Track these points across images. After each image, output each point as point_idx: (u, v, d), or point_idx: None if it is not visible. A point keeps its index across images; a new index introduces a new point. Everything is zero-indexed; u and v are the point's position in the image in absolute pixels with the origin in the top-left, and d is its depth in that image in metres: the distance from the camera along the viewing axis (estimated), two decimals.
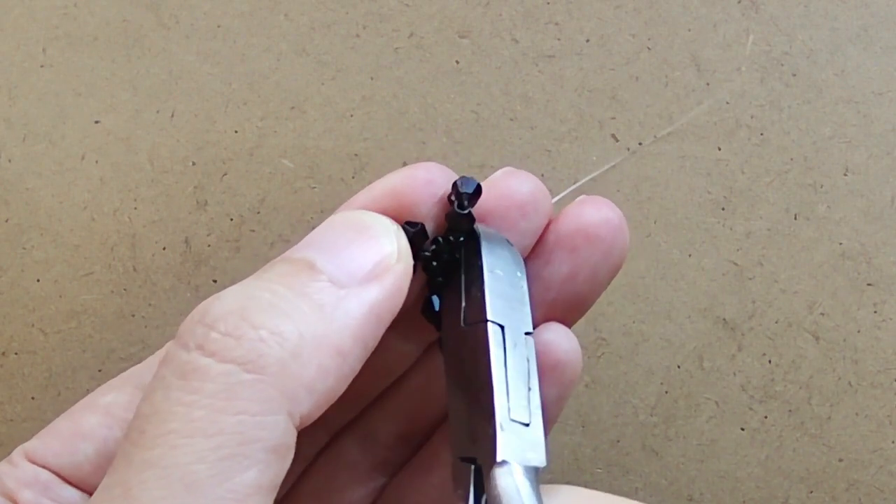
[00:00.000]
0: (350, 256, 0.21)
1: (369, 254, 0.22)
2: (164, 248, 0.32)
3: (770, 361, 0.32)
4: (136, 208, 0.32)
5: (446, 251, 0.24)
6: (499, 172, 0.25)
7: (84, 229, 0.32)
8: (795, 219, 0.32)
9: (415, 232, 0.24)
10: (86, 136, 0.33)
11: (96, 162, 0.33)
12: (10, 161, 0.33)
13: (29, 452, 0.24)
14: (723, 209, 0.32)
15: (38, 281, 0.32)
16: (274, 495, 0.19)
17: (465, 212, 0.24)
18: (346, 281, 0.21)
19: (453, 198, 0.24)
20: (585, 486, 0.32)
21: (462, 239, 0.24)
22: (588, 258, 0.24)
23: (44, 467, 0.23)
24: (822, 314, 0.32)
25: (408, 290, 0.22)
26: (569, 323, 0.25)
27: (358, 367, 0.21)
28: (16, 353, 0.32)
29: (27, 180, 0.33)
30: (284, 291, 0.20)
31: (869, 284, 0.32)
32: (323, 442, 0.26)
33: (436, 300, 0.24)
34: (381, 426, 0.25)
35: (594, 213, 0.24)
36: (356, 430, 0.26)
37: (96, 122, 0.33)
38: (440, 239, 0.24)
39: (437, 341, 0.25)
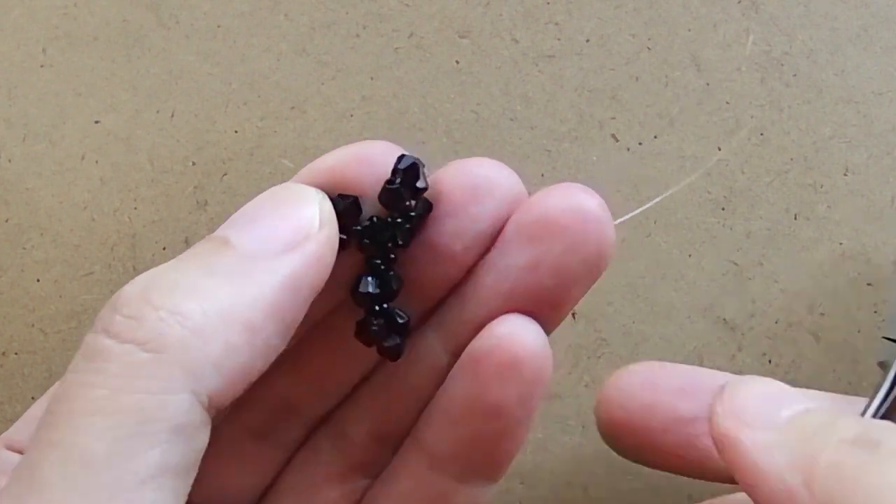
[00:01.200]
0: (265, 228, 0.21)
1: (286, 223, 0.21)
2: (164, 248, 0.32)
3: (770, 361, 0.32)
4: (136, 208, 0.32)
5: (382, 229, 0.23)
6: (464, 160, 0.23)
7: (84, 229, 0.32)
8: (795, 219, 0.32)
9: (346, 204, 0.22)
10: (86, 136, 0.33)
11: (96, 162, 0.33)
12: (10, 161, 0.33)
13: (6, 440, 0.24)
14: (723, 209, 0.32)
15: (38, 281, 0.32)
16: (188, 479, 0.19)
17: (394, 186, 0.22)
18: (260, 253, 0.20)
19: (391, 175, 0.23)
20: (585, 486, 0.32)
21: (399, 220, 0.23)
22: (550, 249, 0.22)
23: (19, 452, 0.23)
24: (822, 314, 0.32)
25: (335, 265, 0.21)
26: (543, 319, 0.22)
27: (278, 342, 0.20)
28: (16, 353, 0.32)
29: (27, 180, 0.33)
30: (194, 270, 0.20)
31: (869, 284, 0.32)
32: (299, 435, 0.25)
33: (369, 281, 0.23)
34: (352, 424, 0.24)
35: (560, 201, 0.22)
36: (330, 426, 0.25)
37: (96, 122, 0.33)
38: (377, 217, 0.23)
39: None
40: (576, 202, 0.22)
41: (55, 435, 0.18)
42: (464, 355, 0.22)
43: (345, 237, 0.22)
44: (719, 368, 0.32)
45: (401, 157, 0.23)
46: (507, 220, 0.22)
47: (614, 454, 0.32)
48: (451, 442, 0.23)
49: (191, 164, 0.33)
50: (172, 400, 0.18)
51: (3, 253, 0.32)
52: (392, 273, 0.23)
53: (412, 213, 0.23)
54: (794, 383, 0.32)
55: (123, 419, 0.18)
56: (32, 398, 0.32)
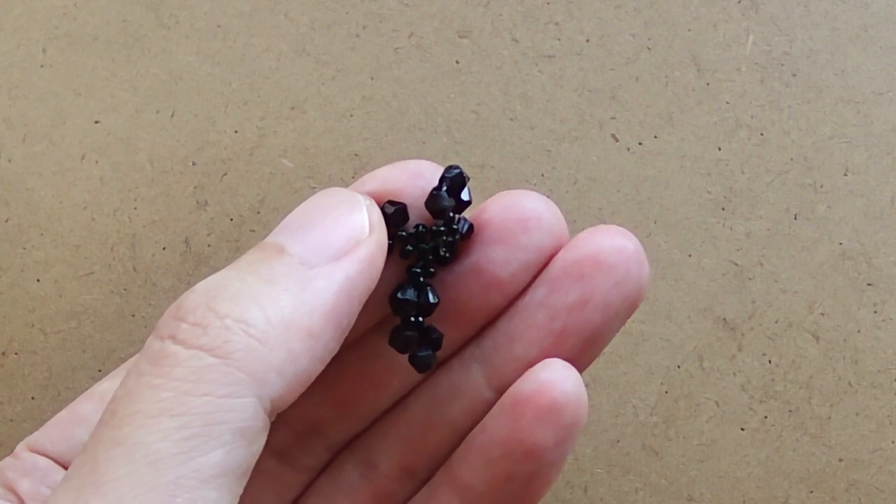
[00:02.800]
0: (319, 235, 0.21)
1: (339, 230, 0.21)
2: (164, 248, 0.32)
3: (770, 361, 0.32)
4: (136, 208, 0.32)
5: (426, 238, 0.23)
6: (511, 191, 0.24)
7: (84, 229, 0.32)
8: (795, 219, 0.32)
9: (395, 210, 0.23)
10: (86, 136, 0.33)
11: (96, 162, 0.33)
12: (10, 161, 0.33)
13: (30, 443, 0.24)
14: (723, 209, 0.32)
15: (38, 281, 0.32)
16: (243, 482, 0.19)
17: (440, 192, 0.23)
18: (316, 260, 0.21)
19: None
20: (585, 486, 0.32)
21: (443, 228, 0.23)
22: (598, 286, 0.23)
23: (43, 455, 0.24)
24: (822, 314, 0.32)
25: (382, 269, 0.22)
26: (580, 363, 0.23)
27: (334, 347, 0.21)
28: (16, 353, 0.32)
29: (27, 180, 0.33)
30: (253, 278, 0.20)
31: (869, 284, 0.32)
32: (323, 459, 0.25)
33: (409, 289, 0.23)
34: (382, 453, 0.25)
35: (605, 241, 0.23)
36: (357, 452, 0.25)
37: (96, 122, 0.33)
38: (422, 226, 0.24)
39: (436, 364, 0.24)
40: (619, 242, 0.23)
41: (119, 433, 0.19)
42: (506, 395, 0.23)
43: (390, 242, 0.23)
44: (719, 368, 0.32)
45: (449, 167, 0.23)
46: (550, 254, 0.24)
47: (614, 454, 0.32)
48: (486, 480, 0.23)
49: (191, 164, 0.33)
50: (237, 404, 0.19)
51: (3, 253, 0.32)
52: (430, 287, 0.24)
53: (455, 227, 0.23)
54: (794, 383, 0.32)
55: (190, 420, 0.19)
56: (32, 398, 0.32)
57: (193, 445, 0.18)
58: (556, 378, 0.22)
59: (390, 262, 0.23)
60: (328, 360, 0.21)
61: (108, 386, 0.25)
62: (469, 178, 0.24)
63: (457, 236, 0.24)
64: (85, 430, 0.24)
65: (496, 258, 0.23)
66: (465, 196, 0.24)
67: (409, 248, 0.23)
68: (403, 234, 0.23)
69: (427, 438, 0.24)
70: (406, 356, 0.24)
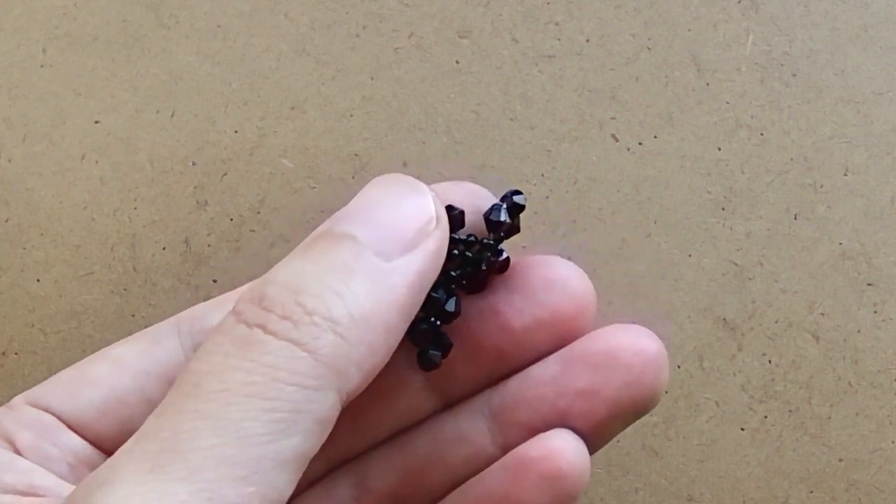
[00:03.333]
0: (390, 225, 0.22)
1: (409, 221, 0.22)
2: (164, 248, 0.32)
3: (770, 361, 0.32)
4: (136, 208, 0.32)
5: (474, 248, 0.24)
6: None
7: (84, 229, 0.32)
8: (795, 219, 0.32)
9: (454, 214, 0.23)
10: (86, 136, 0.33)
11: (96, 162, 0.33)
12: (10, 161, 0.33)
13: (30, 398, 0.24)
14: (723, 209, 0.32)
15: (38, 281, 0.32)
16: (304, 468, 0.20)
17: (500, 205, 0.24)
18: (390, 252, 0.21)
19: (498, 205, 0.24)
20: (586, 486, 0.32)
21: (490, 242, 0.24)
22: (609, 381, 0.23)
23: (46, 411, 0.24)
24: (822, 314, 0.32)
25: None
26: (589, 441, 0.24)
27: (400, 339, 0.22)
28: (16, 353, 0.32)
29: (27, 180, 0.33)
30: (332, 272, 0.21)
31: (869, 284, 0.32)
32: (319, 470, 0.25)
33: (440, 291, 0.24)
34: (376, 477, 0.25)
35: (627, 338, 0.23)
36: (353, 472, 0.25)
37: (96, 122, 0.33)
38: (473, 236, 0.24)
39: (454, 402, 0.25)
40: (641, 344, 0.23)
41: (206, 407, 0.19)
42: (511, 454, 0.23)
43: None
44: (719, 368, 0.32)
45: (516, 191, 0.24)
46: (569, 322, 0.24)
47: (614, 454, 0.32)
48: None
49: (191, 164, 0.33)
50: (321, 395, 0.20)
51: (3, 253, 0.32)
52: (457, 298, 0.24)
53: (501, 248, 0.24)
54: (794, 383, 0.32)
55: (280, 405, 0.19)
56: None
57: (279, 429, 0.19)
58: (565, 448, 0.23)
59: None
60: (393, 351, 0.21)
61: (120, 351, 0.25)
62: (525, 208, 0.24)
63: (499, 257, 0.24)
64: (97, 392, 0.24)
65: (513, 305, 0.24)
66: (518, 223, 0.24)
67: (456, 252, 0.24)
68: (456, 236, 0.24)
69: (424, 476, 0.25)
70: (416, 355, 0.24)
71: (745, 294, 0.32)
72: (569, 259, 0.24)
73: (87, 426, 0.24)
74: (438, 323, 0.24)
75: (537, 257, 0.24)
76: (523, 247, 0.31)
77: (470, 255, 0.24)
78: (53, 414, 0.24)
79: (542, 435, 0.23)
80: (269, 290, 0.21)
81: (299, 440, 0.20)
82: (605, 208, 0.32)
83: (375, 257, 0.21)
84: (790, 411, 0.32)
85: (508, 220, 0.24)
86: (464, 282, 0.24)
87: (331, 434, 0.24)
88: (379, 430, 0.25)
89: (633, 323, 0.24)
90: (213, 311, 0.25)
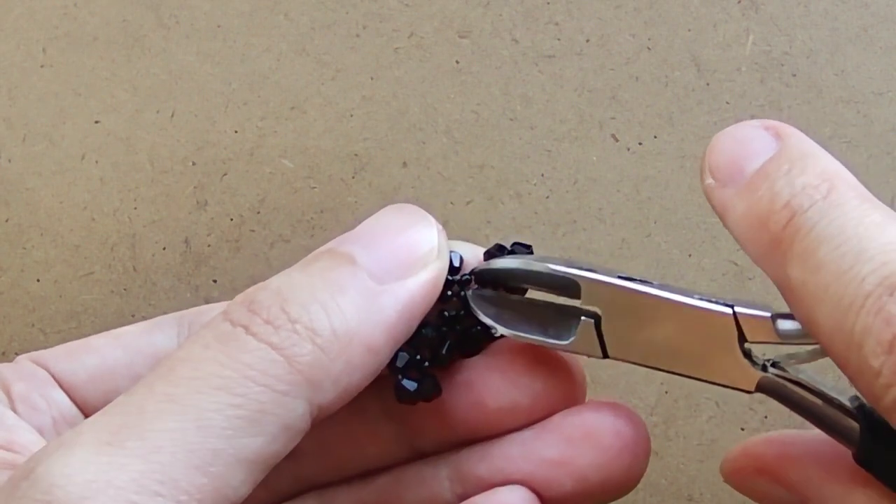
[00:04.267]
0: (390, 251, 0.22)
1: (410, 249, 0.22)
2: (164, 248, 0.32)
3: None
4: (136, 208, 0.32)
5: (460, 292, 0.24)
6: None
7: (84, 229, 0.32)
8: None
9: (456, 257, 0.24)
10: (86, 136, 0.33)
11: (96, 162, 0.33)
12: (10, 161, 0.33)
13: (33, 356, 0.25)
14: None
15: (38, 281, 0.32)
16: (265, 473, 0.20)
17: (505, 246, 0.24)
18: (385, 276, 0.22)
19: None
20: None
21: (468, 278, 0.24)
22: (580, 456, 0.23)
23: (43, 368, 0.25)
24: None
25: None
26: None
27: (384, 363, 0.22)
28: (16, 354, 0.32)
29: (27, 180, 0.33)
30: (323, 286, 0.21)
31: None
32: (290, 488, 0.25)
33: (430, 326, 0.23)
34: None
35: (607, 418, 0.23)
36: (319, 497, 0.25)
37: (96, 122, 0.33)
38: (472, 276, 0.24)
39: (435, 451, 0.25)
40: (619, 426, 0.23)
41: (175, 391, 0.20)
42: (466, 503, 0.23)
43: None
44: None
45: (528, 246, 0.24)
46: (547, 410, 0.23)
47: None
48: None
49: (191, 164, 0.33)
50: (290, 402, 0.20)
51: (3, 253, 0.32)
52: (449, 343, 0.24)
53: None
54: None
55: (246, 403, 0.20)
56: None
57: (242, 426, 0.19)
58: (515, 501, 0.23)
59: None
60: (377, 373, 0.21)
61: (122, 329, 0.26)
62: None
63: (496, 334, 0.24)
64: (93, 359, 0.25)
65: (490, 385, 0.24)
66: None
67: (450, 293, 0.24)
68: (456, 279, 0.24)
69: None
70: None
71: (745, 294, 0.32)
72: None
73: (76, 389, 0.25)
74: (426, 363, 0.23)
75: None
76: None
77: (463, 293, 0.24)
78: (49, 372, 0.25)
79: (497, 489, 0.23)
80: (260, 295, 0.21)
81: (262, 442, 0.20)
82: (605, 208, 0.32)
83: (369, 279, 0.21)
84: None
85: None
86: (457, 327, 0.24)
87: (304, 456, 0.24)
88: (349, 465, 0.25)
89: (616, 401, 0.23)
90: (217, 310, 0.25)
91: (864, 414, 0.21)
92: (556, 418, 0.23)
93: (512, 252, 0.24)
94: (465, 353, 0.24)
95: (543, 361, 0.23)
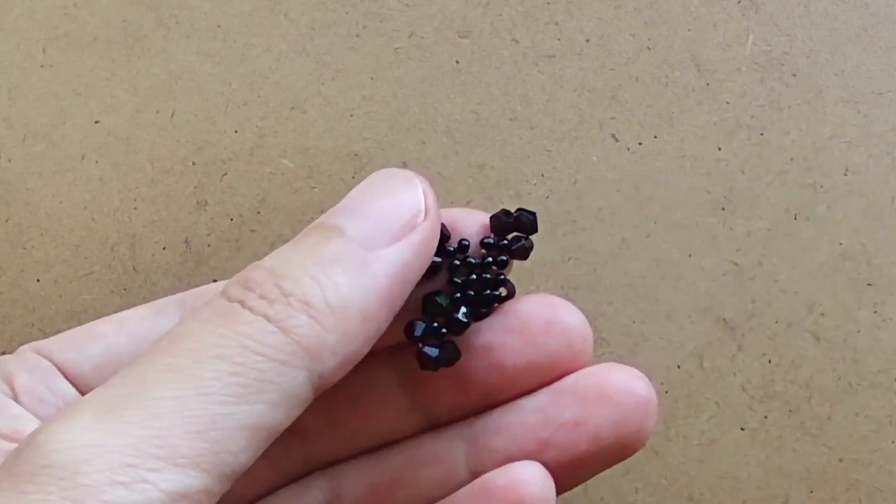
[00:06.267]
0: (377, 217, 0.22)
1: (396, 213, 0.22)
2: (164, 248, 0.32)
3: (770, 361, 0.32)
4: (136, 208, 0.32)
5: (482, 269, 0.24)
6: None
7: (84, 229, 0.32)
8: (795, 219, 0.32)
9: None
10: (86, 136, 0.33)
11: (96, 162, 0.33)
12: (10, 161, 0.33)
13: (35, 347, 0.25)
14: (723, 209, 0.32)
15: (38, 281, 0.32)
16: (268, 443, 0.20)
17: (510, 213, 0.24)
18: (374, 243, 0.22)
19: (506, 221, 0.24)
20: (585, 485, 0.32)
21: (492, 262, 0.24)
22: (595, 415, 0.23)
23: (47, 359, 0.25)
24: (822, 314, 0.32)
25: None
26: (561, 479, 0.23)
27: (383, 329, 0.22)
28: None
29: (27, 180, 0.33)
30: (314, 260, 0.21)
31: (869, 284, 0.32)
32: (297, 468, 0.25)
33: (443, 295, 0.24)
34: (349, 488, 0.25)
35: (620, 378, 0.23)
36: (329, 477, 0.25)
37: (96, 122, 0.33)
38: (482, 259, 0.24)
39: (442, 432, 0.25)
40: (632, 385, 0.23)
41: (175, 362, 0.20)
42: (478, 480, 0.23)
43: (438, 259, 0.24)
44: (719, 368, 0.32)
45: (533, 212, 0.24)
46: (563, 367, 0.24)
47: None
48: None
49: (191, 164, 0.33)
50: (290, 371, 0.20)
51: (3, 253, 0.32)
52: (467, 309, 0.24)
53: (503, 273, 0.24)
54: (794, 383, 0.32)
55: (245, 371, 0.20)
56: None
57: (241, 393, 0.20)
58: (531, 480, 0.23)
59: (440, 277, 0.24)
60: (376, 339, 0.22)
61: (125, 315, 0.26)
62: (537, 231, 0.24)
63: (502, 285, 0.24)
64: (98, 347, 0.25)
65: (508, 345, 0.24)
66: (527, 243, 0.24)
67: (457, 262, 0.24)
68: (467, 258, 0.24)
69: (394, 492, 0.25)
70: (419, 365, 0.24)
71: (745, 294, 0.32)
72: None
73: (82, 378, 0.25)
74: (443, 330, 0.24)
75: (538, 297, 0.24)
76: None
77: (479, 275, 0.24)
78: (53, 362, 0.25)
79: (510, 464, 0.23)
80: (254, 273, 0.22)
81: (262, 409, 0.20)
82: (605, 208, 0.32)
83: (360, 248, 0.22)
84: (790, 411, 0.32)
85: (513, 223, 0.24)
86: (471, 294, 0.24)
87: (310, 433, 0.25)
88: (359, 440, 0.25)
89: (625, 363, 0.24)
90: (217, 290, 0.25)
91: None
92: (569, 381, 0.24)
93: (517, 217, 0.24)
94: (478, 316, 0.24)
95: (552, 320, 0.24)
